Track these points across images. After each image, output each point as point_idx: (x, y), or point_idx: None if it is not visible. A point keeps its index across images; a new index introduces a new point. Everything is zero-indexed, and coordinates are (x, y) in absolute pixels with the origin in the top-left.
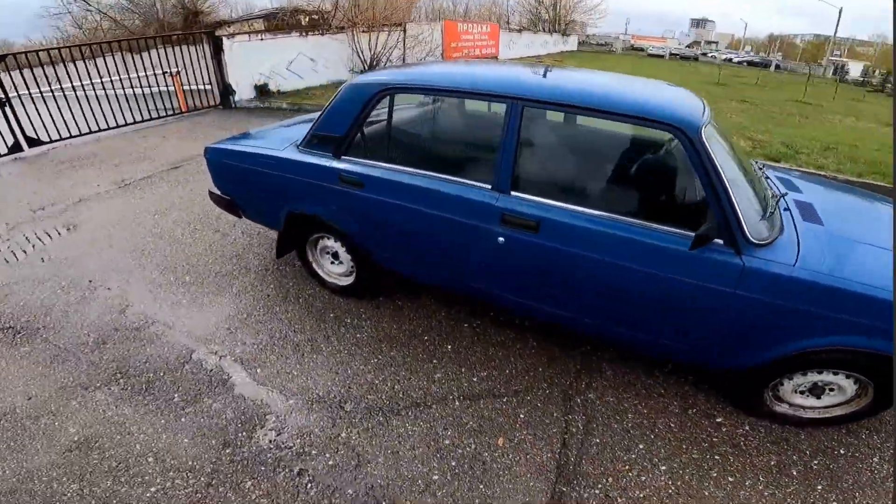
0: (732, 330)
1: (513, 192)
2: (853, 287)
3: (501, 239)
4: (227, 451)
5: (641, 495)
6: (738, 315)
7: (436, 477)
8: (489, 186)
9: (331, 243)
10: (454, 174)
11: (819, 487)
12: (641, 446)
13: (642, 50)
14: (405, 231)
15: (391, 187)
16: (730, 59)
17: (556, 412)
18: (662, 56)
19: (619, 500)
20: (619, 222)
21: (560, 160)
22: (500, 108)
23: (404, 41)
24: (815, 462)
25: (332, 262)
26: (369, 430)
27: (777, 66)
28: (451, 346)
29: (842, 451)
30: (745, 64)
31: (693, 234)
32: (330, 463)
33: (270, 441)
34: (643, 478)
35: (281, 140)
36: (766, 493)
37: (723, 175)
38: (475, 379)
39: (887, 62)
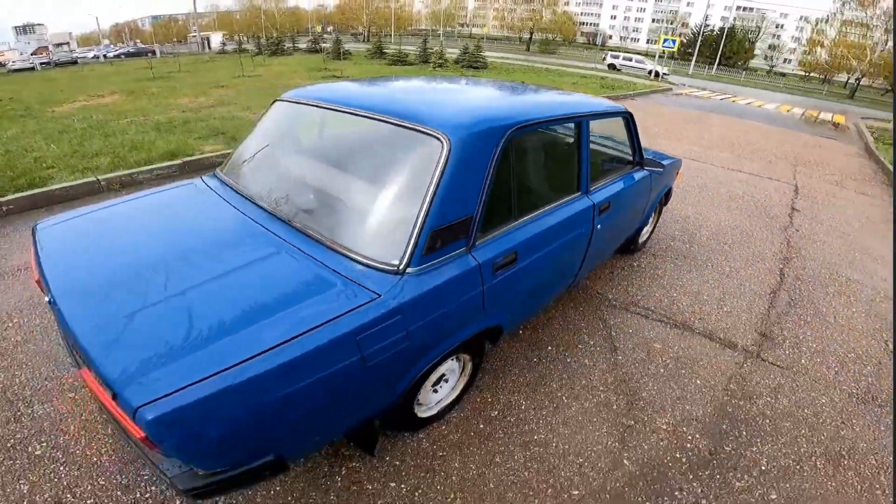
0: (652, 207)
1: (591, 189)
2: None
3: (600, 226)
4: None
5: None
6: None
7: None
8: (578, 193)
9: (447, 366)
10: (560, 197)
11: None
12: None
13: None
14: (537, 278)
15: (534, 243)
16: (105, 56)
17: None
18: (33, 68)
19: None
20: (629, 174)
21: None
22: (561, 127)
23: None
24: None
25: (436, 390)
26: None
27: (153, 53)
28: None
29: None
30: (122, 57)
31: (635, 166)
32: None
33: None
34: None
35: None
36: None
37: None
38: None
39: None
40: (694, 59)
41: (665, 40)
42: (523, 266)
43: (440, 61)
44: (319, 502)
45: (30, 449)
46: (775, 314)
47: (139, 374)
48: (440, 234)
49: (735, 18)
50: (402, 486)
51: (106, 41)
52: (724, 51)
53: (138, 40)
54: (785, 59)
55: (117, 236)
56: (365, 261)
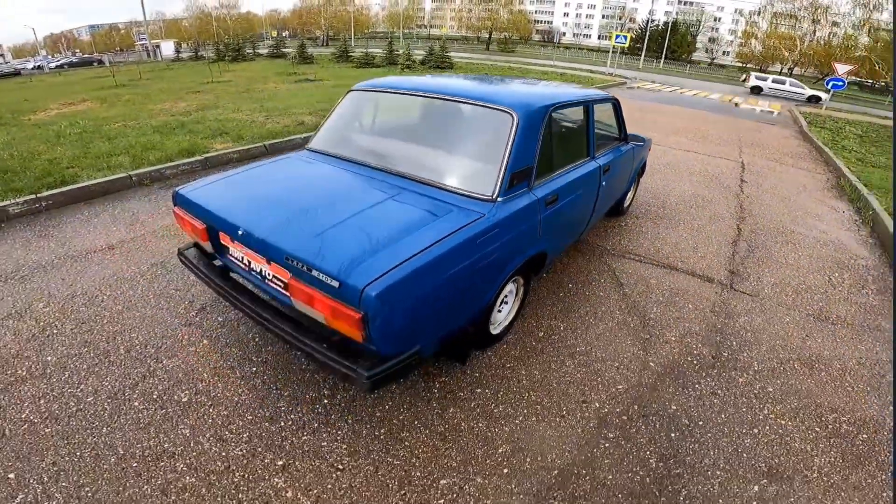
0: (633, 177)
1: (597, 155)
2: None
3: (604, 183)
4: None
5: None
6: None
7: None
8: (589, 158)
9: (508, 288)
10: (577, 159)
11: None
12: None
13: None
14: (569, 215)
15: (566, 189)
16: (49, 66)
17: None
18: None
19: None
20: (618, 147)
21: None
22: (576, 109)
23: None
24: None
25: (500, 311)
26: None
27: (101, 62)
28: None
29: None
30: (66, 67)
31: (622, 141)
32: None
33: None
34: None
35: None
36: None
37: None
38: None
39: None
40: (643, 53)
41: (617, 37)
42: (562, 205)
43: (408, 62)
44: (425, 409)
45: (175, 397)
46: (739, 257)
47: (353, 266)
48: (516, 176)
49: (677, 13)
50: (486, 390)
51: (43, 52)
52: (670, 45)
53: (78, 50)
54: (724, 52)
55: (262, 190)
56: (469, 193)
